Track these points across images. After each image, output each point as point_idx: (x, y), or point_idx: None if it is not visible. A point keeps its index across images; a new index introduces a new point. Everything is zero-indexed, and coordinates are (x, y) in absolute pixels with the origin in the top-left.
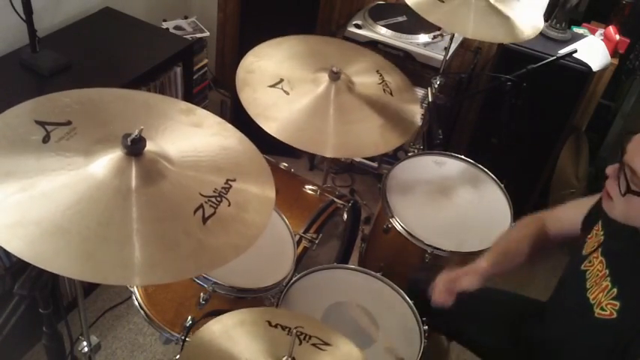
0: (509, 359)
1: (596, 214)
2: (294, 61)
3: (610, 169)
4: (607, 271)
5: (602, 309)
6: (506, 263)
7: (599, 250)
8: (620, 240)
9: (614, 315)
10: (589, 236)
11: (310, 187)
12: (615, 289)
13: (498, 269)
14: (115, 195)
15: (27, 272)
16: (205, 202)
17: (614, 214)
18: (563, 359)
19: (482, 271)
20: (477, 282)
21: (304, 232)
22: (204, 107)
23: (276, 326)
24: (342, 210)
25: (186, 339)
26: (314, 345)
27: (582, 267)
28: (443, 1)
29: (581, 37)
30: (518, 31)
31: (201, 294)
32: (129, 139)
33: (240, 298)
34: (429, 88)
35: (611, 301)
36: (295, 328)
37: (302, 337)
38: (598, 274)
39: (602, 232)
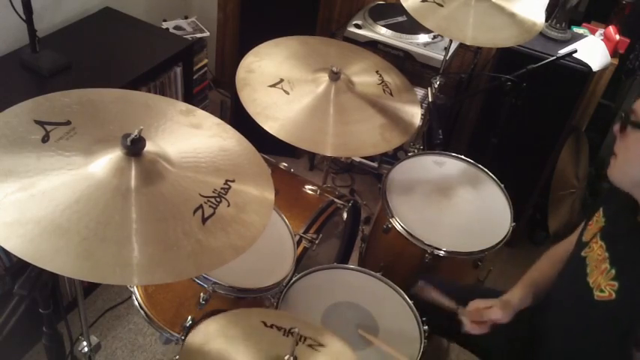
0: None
1: (599, 202)
2: (294, 61)
3: (616, 126)
4: (607, 254)
5: (601, 291)
6: (539, 293)
7: (598, 235)
8: (620, 220)
9: (613, 296)
10: (589, 223)
11: (310, 187)
12: (614, 270)
13: (530, 302)
14: (115, 195)
15: (27, 272)
16: (205, 203)
17: (614, 173)
18: (565, 346)
19: (514, 305)
20: (508, 316)
21: (304, 232)
22: (204, 107)
23: (271, 327)
24: (342, 210)
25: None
26: (310, 346)
27: (582, 253)
28: (442, 5)
29: (581, 37)
30: (522, 30)
31: (201, 294)
32: (128, 140)
33: (241, 298)
34: (429, 88)
35: (610, 282)
36: (289, 329)
37: (298, 337)
38: (598, 258)
39: (603, 219)
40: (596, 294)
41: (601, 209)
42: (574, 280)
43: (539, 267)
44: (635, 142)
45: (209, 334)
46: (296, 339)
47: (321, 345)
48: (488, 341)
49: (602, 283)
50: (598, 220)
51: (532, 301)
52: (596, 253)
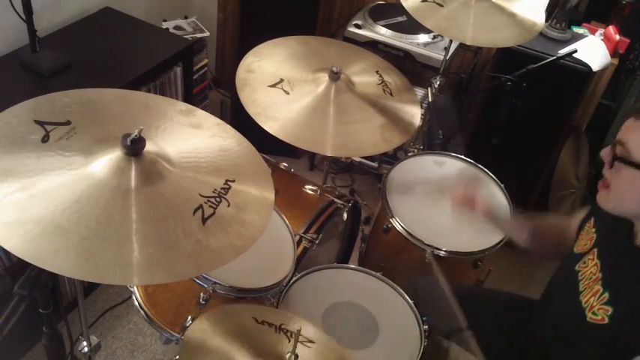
0: None
1: (591, 211)
2: (294, 61)
3: (604, 152)
4: (600, 275)
5: (593, 313)
6: (536, 246)
7: (595, 252)
8: (614, 242)
9: (606, 320)
10: (581, 233)
11: (310, 187)
12: (607, 294)
13: (523, 240)
14: (115, 195)
15: (27, 272)
16: (205, 203)
17: (608, 204)
18: (561, 357)
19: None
20: (488, 215)
21: (304, 233)
22: (204, 107)
23: (262, 323)
24: (342, 210)
25: None
26: (301, 343)
27: (576, 267)
28: (442, 5)
29: (581, 37)
30: (522, 30)
31: (201, 294)
32: (128, 140)
33: (241, 298)
34: (429, 88)
35: (602, 306)
36: (280, 325)
37: (288, 334)
38: (592, 277)
39: (593, 230)
40: (589, 316)
41: (592, 220)
42: (565, 295)
43: (545, 219)
44: (629, 180)
45: (204, 331)
46: (297, 337)
47: (311, 342)
48: (488, 344)
49: (595, 306)
50: (589, 231)
51: (528, 242)
52: (590, 271)
